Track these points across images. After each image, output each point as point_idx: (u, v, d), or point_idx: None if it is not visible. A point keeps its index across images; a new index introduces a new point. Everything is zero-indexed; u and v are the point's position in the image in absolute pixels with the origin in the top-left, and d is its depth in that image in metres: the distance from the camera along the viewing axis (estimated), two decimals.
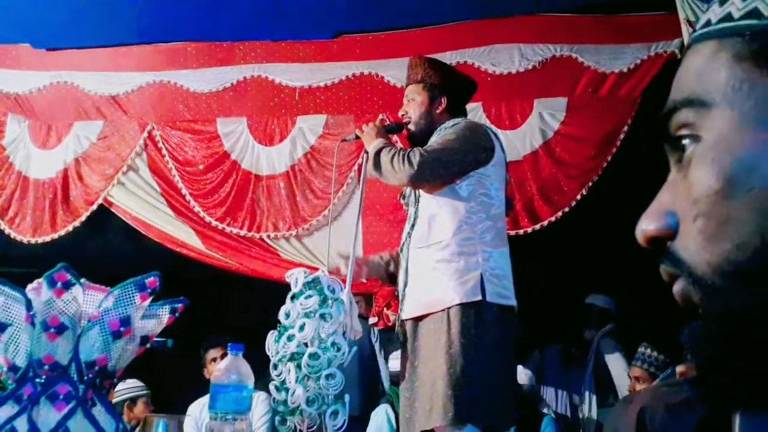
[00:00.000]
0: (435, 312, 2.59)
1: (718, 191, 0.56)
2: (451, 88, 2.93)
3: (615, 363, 4.66)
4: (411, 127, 2.91)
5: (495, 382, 2.51)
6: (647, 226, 0.62)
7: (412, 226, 2.78)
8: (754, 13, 0.57)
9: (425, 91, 2.90)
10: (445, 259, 2.62)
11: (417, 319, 2.66)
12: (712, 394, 0.57)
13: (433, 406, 2.46)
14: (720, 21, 0.60)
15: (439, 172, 2.66)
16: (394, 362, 4.75)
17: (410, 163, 2.62)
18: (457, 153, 2.67)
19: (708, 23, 0.61)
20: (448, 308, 2.55)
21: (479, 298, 2.53)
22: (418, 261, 2.72)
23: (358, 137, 2.96)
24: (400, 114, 2.96)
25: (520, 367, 4.66)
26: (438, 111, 2.88)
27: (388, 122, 3.06)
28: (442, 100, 2.88)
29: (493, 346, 2.52)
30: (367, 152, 2.87)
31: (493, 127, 2.97)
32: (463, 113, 2.95)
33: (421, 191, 2.77)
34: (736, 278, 0.54)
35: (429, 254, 2.67)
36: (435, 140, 2.76)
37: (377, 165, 2.74)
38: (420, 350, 2.61)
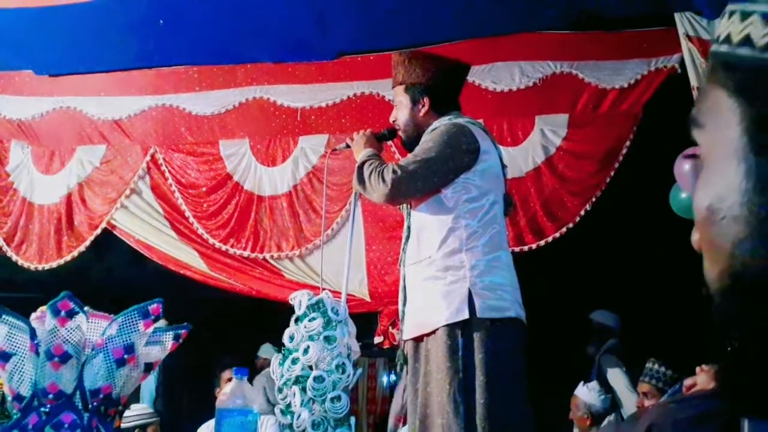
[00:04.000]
0: (428, 333, 2.48)
1: (705, 218, 0.57)
2: (433, 85, 2.71)
3: (615, 378, 4.64)
4: (401, 134, 2.77)
5: (491, 405, 2.35)
6: (692, 237, 0.61)
7: (406, 240, 2.67)
8: (726, 40, 0.56)
9: (407, 94, 2.73)
10: (432, 276, 2.50)
11: (416, 339, 2.56)
12: (729, 402, 0.58)
13: None
14: (714, 41, 0.59)
15: (416, 187, 2.52)
16: None
17: (384, 181, 2.50)
18: (434, 163, 2.51)
19: (716, 39, 0.59)
20: (436, 330, 2.44)
21: (466, 316, 2.40)
22: (413, 278, 2.61)
23: (348, 146, 2.83)
24: (391, 120, 2.82)
25: (592, 383, 4.55)
26: (421, 114, 2.71)
27: (383, 130, 2.87)
28: (424, 101, 2.70)
29: (486, 365, 2.37)
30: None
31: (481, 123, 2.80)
32: (454, 107, 2.75)
33: (412, 202, 2.65)
34: (731, 299, 0.55)
35: (420, 271, 2.56)
36: (416, 149, 2.61)
37: (360, 179, 2.61)
38: (419, 372, 2.51)
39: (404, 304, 2.66)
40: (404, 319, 2.66)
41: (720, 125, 0.56)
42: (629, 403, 4.49)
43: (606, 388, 4.67)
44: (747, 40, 0.54)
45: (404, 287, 2.67)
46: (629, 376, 4.61)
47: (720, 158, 0.56)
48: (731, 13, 0.56)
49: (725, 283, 0.55)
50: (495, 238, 2.54)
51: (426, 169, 2.52)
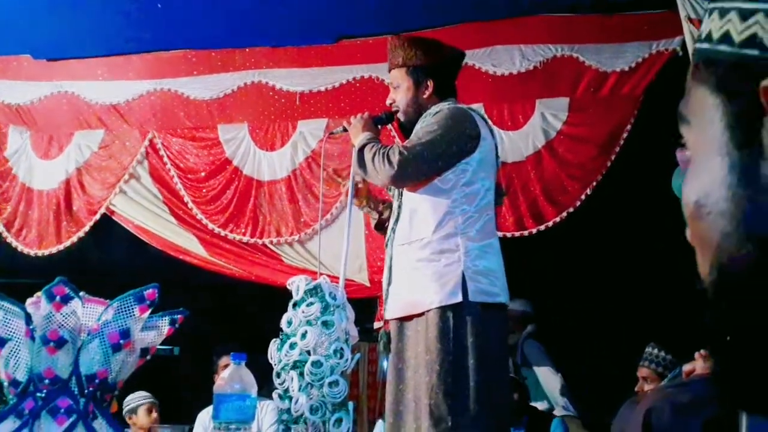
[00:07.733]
0: (416, 314, 2.48)
1: (693, 214, 0.58)
2: (437, 67, 2.71)
3: (539, 363, 4.75)
4: (400, 116, 2.74)
5: (480, 388, 2.38)
6: (687, 233, 0.62)
7: (396, 221, 2.65)
8: (708, 38, 0.57)
9: (409, 76, 2.69)
10: (426, 258, 2.49)
11: (401, 320, 2.55)
12: (724, 395, 0.60)
13: (419, 416, 2.38)
14: (697, 39, 0.60)
15: (422, 169, 2.52)
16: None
17: (390, 162, 2.48)
18: (440, 146, 2.51)
19: (698, 37, 0.61)
20: (427, 311, 2.44)
21: (460, 299, 2.41)
22: (401, 259, 2.59)
23: (345, 130, 2.81)
24: (387, 102, 2.79)
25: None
26: (425, 96, 2.69)
27: (380, 114, 2.84)
28: (428, 83, 2.68)
29: (476, 349, 2.40)
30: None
31: (480, 110, 2.80)
32: (453, 92, 2.75)
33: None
34: (720, 294, 0.56)
35: (411, 252, 2.55)
36: (417, 130, 2.61)
37: (361, 163, 2.60)
38: (404, 353, 2.50)
39: (389, 284, 2.66)
40: (388, 298, 2.65)
41: (704, 122, 0.57)
42: (553, 385, 4.60)
43: (528, 371, 4.74)
44: (726, 37, 0.55)
45: (390, 267, 2.67)
46: (551, 359, 4.74)
47: (705, 154, 0.57)
48: (711, 11, 0.57)
49: (714, 277, 0.56)
50: (488, 224, 2.57)
51: (431, 151, 2.51)
